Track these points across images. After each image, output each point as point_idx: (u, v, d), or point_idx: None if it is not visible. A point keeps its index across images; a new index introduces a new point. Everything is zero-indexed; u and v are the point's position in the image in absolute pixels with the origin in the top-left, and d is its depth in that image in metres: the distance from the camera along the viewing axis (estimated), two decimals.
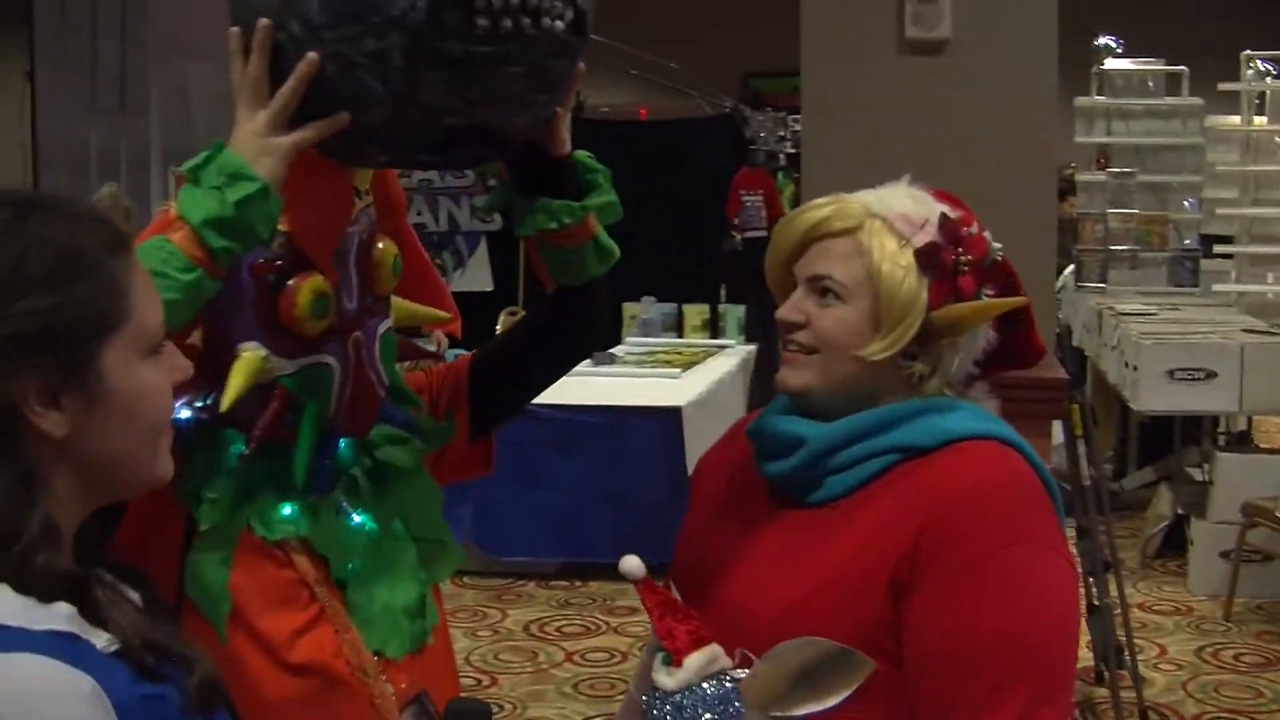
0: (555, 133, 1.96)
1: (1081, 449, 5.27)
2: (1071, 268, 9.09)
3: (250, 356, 1.84)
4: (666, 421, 6.86)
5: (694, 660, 1.78)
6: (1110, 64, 9.20)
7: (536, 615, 6.65)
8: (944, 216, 1.92)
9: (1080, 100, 9.13)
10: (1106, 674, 5.29)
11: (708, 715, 1.77)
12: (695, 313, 9.41)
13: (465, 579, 7.05)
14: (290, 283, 1.85)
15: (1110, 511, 5.62)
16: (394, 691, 1.92)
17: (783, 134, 12.45)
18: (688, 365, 7.94)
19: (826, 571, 1.84)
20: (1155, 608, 6.57)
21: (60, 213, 1.40)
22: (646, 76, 11.20)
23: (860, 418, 1.89)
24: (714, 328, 9.33)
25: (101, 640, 1.33)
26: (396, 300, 2.06)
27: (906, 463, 1.87)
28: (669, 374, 7.72)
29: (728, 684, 1.79)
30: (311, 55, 1.73)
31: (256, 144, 1.74)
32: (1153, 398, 6.72)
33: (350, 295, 1.93)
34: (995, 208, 4.44)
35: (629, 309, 9.51)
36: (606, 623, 6.48)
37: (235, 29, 1.79)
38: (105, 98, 10.95)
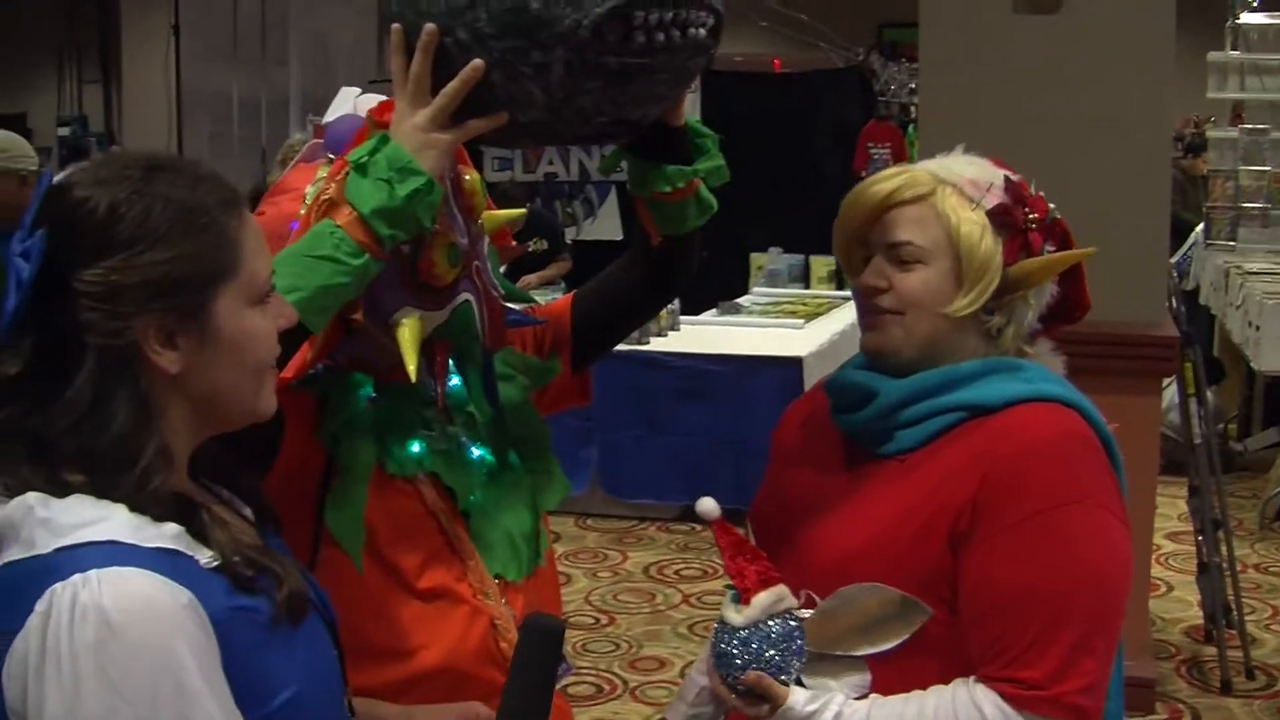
0: (675, 107, 2.09)
1: (1194, 407, 5.30)
2: (1202, 225, 9.03)
3: (411, 322, 2.00)
4: (789, 371, 6.96)
5: (761, 599, 1.94)
6: (1245, 18, 9.09)
7: (656, 558, 6.82)
8: (1008, 179, 2.05)
9: (1213, 55, 9.04)
10: (1215, 632, 5.35)
11: (771, 651, 1.92)
12: (822, 264, 9.45)
13: (588, 521, 7.25)
14: (423, 247, 2.00)
15: (1224, 471, 5.64)
16: (513, 612, 2.09)
17: (914, 86, 12.42)
18: (811, 316, 8.02)
19: (891, 520, 1.97)
20: (1272, 569, 6.55)
21: (182, 173, 1.55)
22: (775, 29, 11.25)
23: (929, 374, 2.01)
24: (840, 279, 9.34)
25: (204, 557, 1.48)
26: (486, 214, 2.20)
27: (972, 420, 1.98)
28: (793, 324, 7.81)
29: (792, 623, 1.94)
30: (477, 61, 1.85)
31: (419, 138, 1.88)
32: (1275, 358, 6.72)
33: (461, 232, 2.07)
34: (1109, 165, 4.54)
35: (756, 259, 9.59)
36: (723, 566, 6.58)
37: (397, 25, 1.92)
38: (247, 48, 11.24)
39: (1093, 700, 1.88)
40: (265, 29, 11.23)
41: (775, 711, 1.93)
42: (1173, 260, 6.29)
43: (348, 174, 1.90)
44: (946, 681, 1.93)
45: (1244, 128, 8.96)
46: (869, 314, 2.07)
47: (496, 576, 2.10)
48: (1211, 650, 5.38)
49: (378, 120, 1.99)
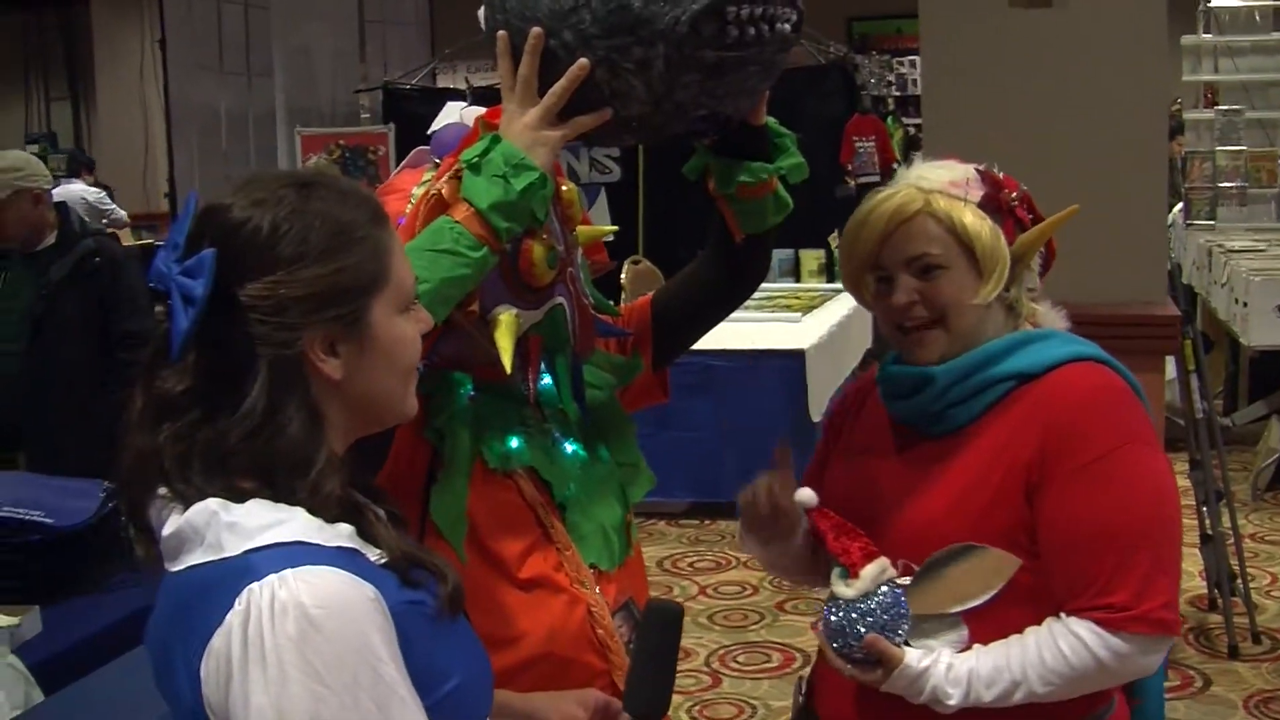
0: (757, 107, 2.22)
1: (1194, 383, 5.45)
2: (1180, 206, 9.17)
3: (507, 318, 2.12)
4: (791, 363, 7.08)
5: (869, 571, 2.11)
6: (1217, 1, 9.23)
7: (669, 551, 6.93)
8: (978, 171, 2.22)
9: (1187, 38, 9.17)
10: (1220, 600, 5.50)
11: (885, 616, 2.08)
12: (811, 257, 9.57)
13: None
14: (523, 245, 2.12)
15: (1222, 445, 5.79)
16: (607, 600, 2.21)
17: (889, 78, 12.56)
18: (807, 309, 8.13)
19: (964, 486, 2.14)
20: (1267, 538, 6.74)
21: (333, 190, 1.63)
22: None
23: (975, 353, 2.17)
24: (830, 272, 9.48)
25: (374, 555, 1.57)
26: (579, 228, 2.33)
27: (1018, 389, 2.16)
28: (790, 318, 7.91)
29: (897, 590, 2.10)
30: (583, 60, 1.97)
31: (530, 136, 2.00)
32: (1262, 333, 6.86)
33: (558, 239, 2.19)
34: (1108, 152, 4.68)
35: None
36: (736, 558, 6.74)
37: (502, 33, 2.04)
38: (232, 62, 11.30)
39: (1173, 614, 2.08)
40: (249, 42, 11.29)
41: (890, 673, 2.08)
42: None
43: (460, 172, 2.01)
44: (1036, 624, 2.09)
45: (1219, 109, 9.11)
46: (909, 329, 2.21)
47: (591, 566, 2.22)
48: (1217, 618, 5.54)
49: (489, 123, 2.10)
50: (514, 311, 2.13)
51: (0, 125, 19.79)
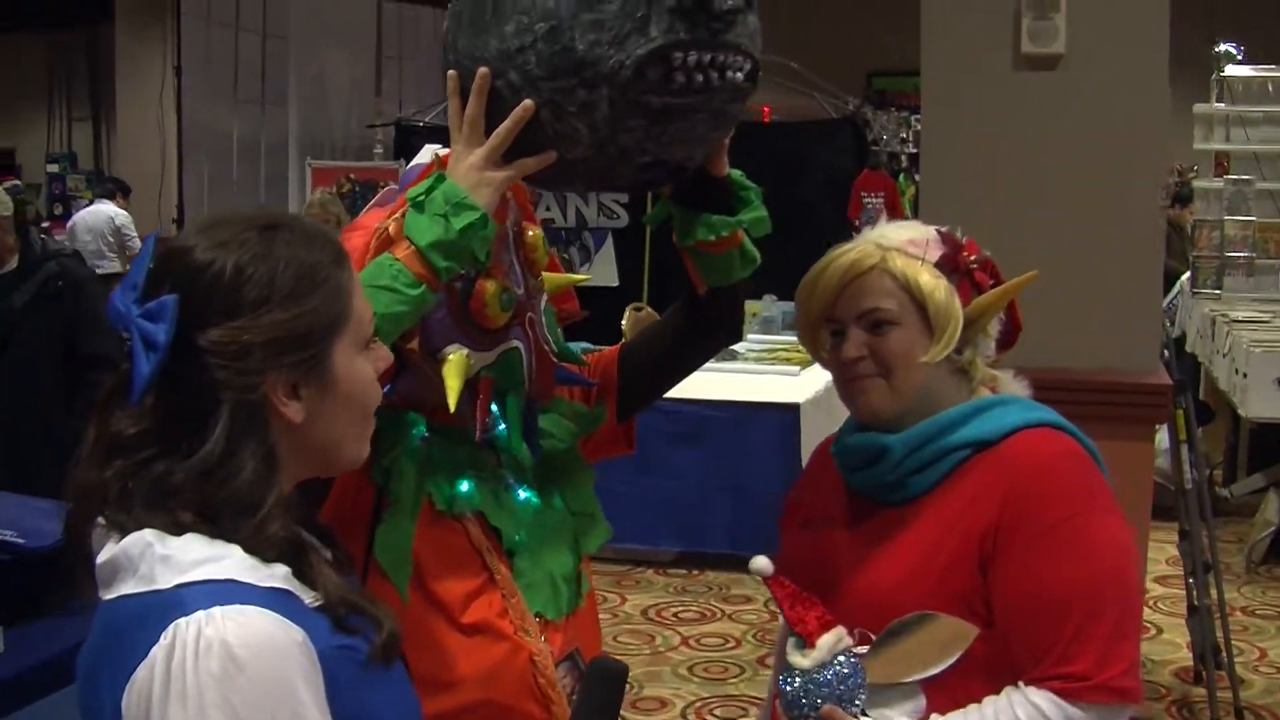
0: (718, 157, 2.21)
1: (1185, 453, 5.41)
2: (1188, 274, 9.16)
3: (457, 358, 2.11)
4: (786, 417, 7.03)
5: (825, 641, 2.07)
6: (1230, 70, 9.24)
7: (654, 601, 6.89)
8: (940, 232, 2.23)
9: (1199, 107, 9.19)
10: (1204, 674, 5.44)
11: (842, 687, 2.05)
12: None
13: None
14: (476, 286, 2.11)
15: (1214, 515, 5.75)
16: (551, 649, 2.17)
17: (904, 135, 12.56)
18: (807, 363, 8.09)
19: (920, 555, 2.12)
20: (1258, 612, 6.67)
21: (296, 232, 1.62)
22: (768, 77, 11.36)
23: (931, 422, 2.16)
24: None
25: (309, 597, 1.55)
26: (545, 274, 2.31)
27: (975, 456, 2.14)
28: (788, 371, 7.87)
29: (853, 659, 2.07)
30: (528, 101, 1.97)
31: (474, 176, 2.00)
32: (1261, 405, 6.83)
33: (518, 282, 2.19)
34: (1104, 216, 4.66)
35: (750, 306, 9.66)
36: (721, 610, 6.70)
37: (452, 72, 2.05)
38: (247, 89, 11.37)
39: (1133, 680, 2.04)
40: (265, 70, 11.36)
41: None
42: None
43: (406, 210, 2.00)
44: (995, 693, 2.06)
45: (1229, 178, 9.10)
46: (856, 380, 2.19)
47: (537, 615, 2.19)
48: (1201, 691, 5.47)
49: (445, 162, 2.09)
50: (464, 351, 2.12)
51: (23, 143, 19.91)
